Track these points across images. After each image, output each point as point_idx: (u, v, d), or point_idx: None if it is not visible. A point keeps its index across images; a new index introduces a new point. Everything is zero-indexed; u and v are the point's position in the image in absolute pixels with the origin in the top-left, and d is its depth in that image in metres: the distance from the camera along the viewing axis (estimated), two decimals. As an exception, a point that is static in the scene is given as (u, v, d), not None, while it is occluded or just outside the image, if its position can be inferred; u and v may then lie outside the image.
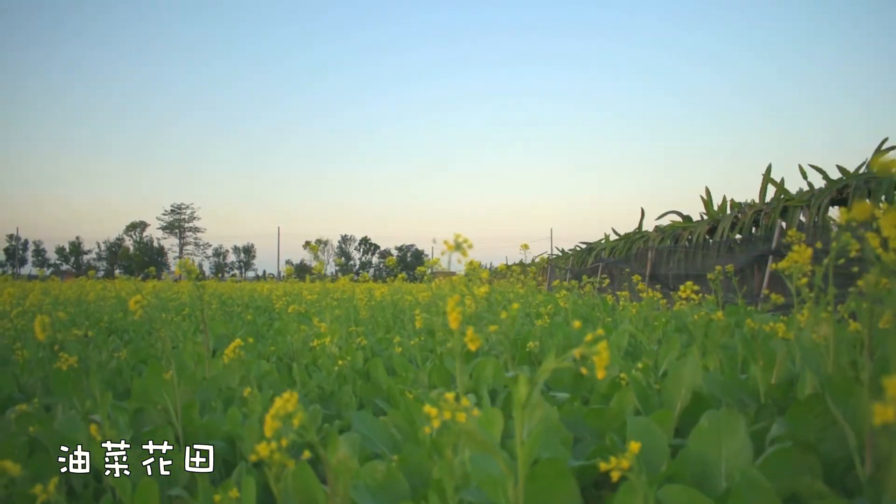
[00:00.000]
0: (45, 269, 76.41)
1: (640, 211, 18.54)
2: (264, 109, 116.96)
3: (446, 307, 1.30)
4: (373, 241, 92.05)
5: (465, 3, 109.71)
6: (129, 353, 4.07)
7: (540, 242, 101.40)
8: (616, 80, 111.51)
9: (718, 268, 6.06)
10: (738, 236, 12.31)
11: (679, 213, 15.59)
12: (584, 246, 24.31)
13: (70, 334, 3.96)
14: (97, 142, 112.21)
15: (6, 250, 77.20)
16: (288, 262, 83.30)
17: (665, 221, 16.27)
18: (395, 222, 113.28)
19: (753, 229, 12.07)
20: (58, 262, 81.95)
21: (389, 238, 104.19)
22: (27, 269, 76.67)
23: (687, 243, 13.65)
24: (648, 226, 18.99)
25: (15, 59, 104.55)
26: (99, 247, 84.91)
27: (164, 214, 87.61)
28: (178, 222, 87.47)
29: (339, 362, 3.03)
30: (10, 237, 77.28)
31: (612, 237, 21.44)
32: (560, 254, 28.50)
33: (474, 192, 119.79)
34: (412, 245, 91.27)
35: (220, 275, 77.89)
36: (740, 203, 13.03)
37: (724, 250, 12.05)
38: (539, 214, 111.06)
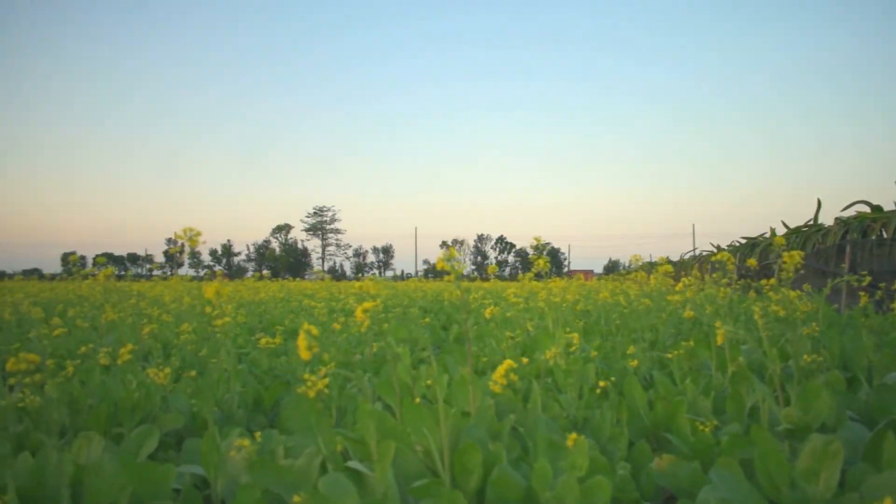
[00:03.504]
0: (200, 270, 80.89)
1: (816, 202, 16.89)
2: (403, 113, 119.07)
3: None
4: (508, 239, 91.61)
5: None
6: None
7: (681, 239, 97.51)
8: (764, 54, 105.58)
9: None
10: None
11: (868, 203, 14.00)
12: (742, 241, 22.61)
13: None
14: (248, 147, 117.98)
15: (165, 253, 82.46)
16: (425, 261, 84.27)
17: (850, 212, 14.70)
18: (531, 221, 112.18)
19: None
20: (211, 263, 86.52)
21: (526, 237, 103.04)
22: (184, 270, 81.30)
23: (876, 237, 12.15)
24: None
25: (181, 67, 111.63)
26: (248, 249, 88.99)
27: (307, 217, 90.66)
28: (320, 224, 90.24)
29: (602, 383, 2.42)
30: (169, 241, 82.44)
31: (779, 231, 19.80)
32: (715, 250, 26.78)
33: (608, 189, 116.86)
34: (548, 243, 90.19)
35: (360, 274, 79.90)
36: (949, 189, 11.44)
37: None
38: (679, 209, 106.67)
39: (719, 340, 2.15)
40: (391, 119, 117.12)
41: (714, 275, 3.65)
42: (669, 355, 2.88)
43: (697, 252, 30.86)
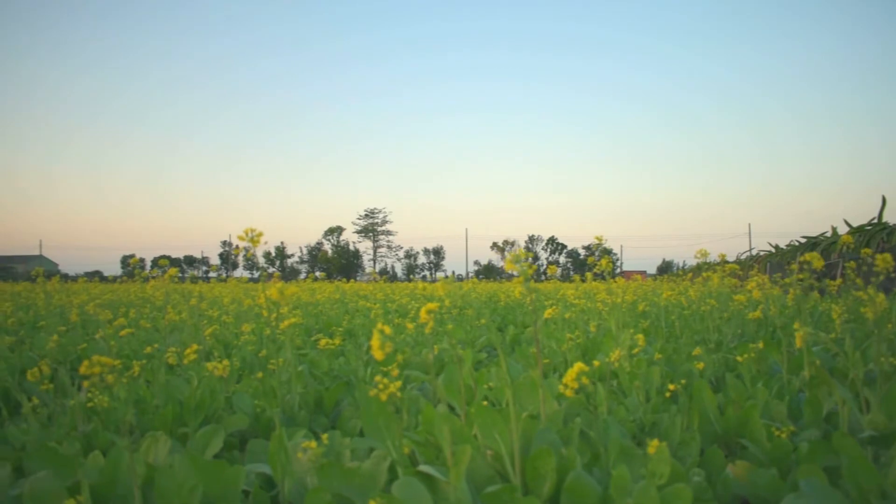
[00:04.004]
0: (255, 272, 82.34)
1: (881, 199, 16.37)
2: (453, 115, 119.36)
3: None
4: (559, 240, 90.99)
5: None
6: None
7: (735, 239, 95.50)
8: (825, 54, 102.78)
9: None
10: None
11: (936, 200, 13.50)
12: (803, 240, 21.99)
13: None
14: (301, 151, 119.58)
15: (220, 255, 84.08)
16: (476, 262, 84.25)
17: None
18: (581, 222, 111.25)
19: None
20: (265, 265, 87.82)
21: (577, 237, 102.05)
22: (239, 272, 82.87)
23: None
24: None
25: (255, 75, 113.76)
26: (301, 251, 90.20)
27: (358, 219, 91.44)
28: (371, 226, 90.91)
29: (672, 386, 2.35)
30: (224, 243, 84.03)
31: (841, 230, 19.22)
32: (773, 250, 26.07)
33: (661, 188, 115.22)
34: (600, 243, 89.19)
35: (411, 276, 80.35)
36: None
37: None
38: (733, 208, 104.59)
39: (798, 343, 2.06)
40: (441, 120, 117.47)
41: (799, 275, 3.52)
42: (739, 358, 2.78)
43: (755, 252, 30.07)
